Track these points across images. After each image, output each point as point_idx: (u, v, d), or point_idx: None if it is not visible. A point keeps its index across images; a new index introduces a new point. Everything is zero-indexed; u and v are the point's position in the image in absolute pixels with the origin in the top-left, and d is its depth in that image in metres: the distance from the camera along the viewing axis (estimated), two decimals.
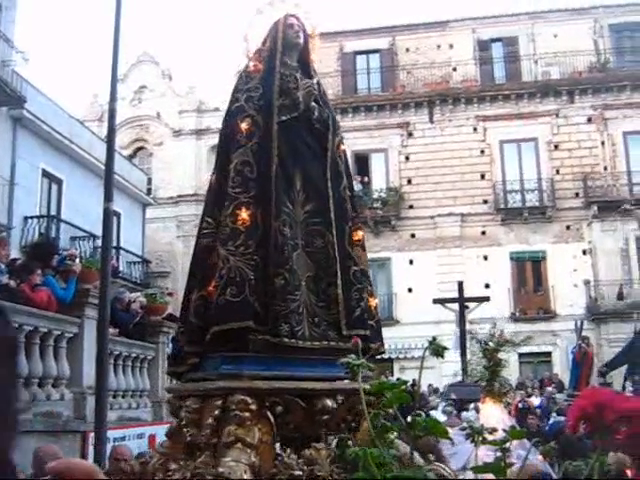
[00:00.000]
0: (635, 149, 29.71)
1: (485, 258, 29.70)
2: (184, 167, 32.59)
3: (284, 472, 3.18)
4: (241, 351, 3.68)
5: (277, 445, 3.50)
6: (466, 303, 19.23)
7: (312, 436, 3.47)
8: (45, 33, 74.56)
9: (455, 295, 19.81)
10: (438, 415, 14.11)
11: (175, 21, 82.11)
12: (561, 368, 26.13)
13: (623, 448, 1.71)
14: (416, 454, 3.36)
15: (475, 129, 31.06)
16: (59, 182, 22.59)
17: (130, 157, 31.88)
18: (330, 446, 3.24)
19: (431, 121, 31.43)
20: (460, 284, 19.62)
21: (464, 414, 12.24)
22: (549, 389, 19.48)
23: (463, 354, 17.02)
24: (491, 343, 8.78)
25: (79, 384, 9.72)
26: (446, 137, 30.98)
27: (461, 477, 3.72)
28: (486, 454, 2.12)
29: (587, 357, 18.64)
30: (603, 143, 30.02)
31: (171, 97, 33.80)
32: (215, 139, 28.50)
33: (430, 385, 21.65)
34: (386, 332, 4.27)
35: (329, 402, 3.51)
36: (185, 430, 3.63)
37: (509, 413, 13.05)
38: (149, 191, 30.95)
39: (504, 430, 1.91)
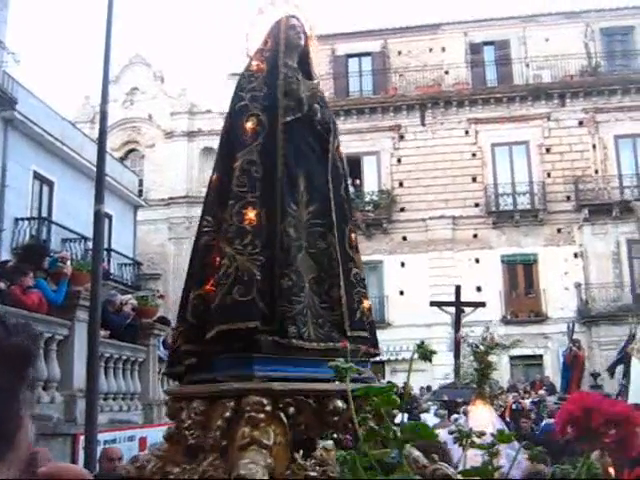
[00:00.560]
0: (626, 152, 29.90)
1: (477, 261, 29.78)
2: (176, 169, 32.55)
3: (299, 473, 3.17)
4: (249, 352, 3.65)
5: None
6: (462, 307, 19.29)
7: (317, 437, 3.46)
8: (37, 34, 74.43)
9: (449, 298, 19.89)
10: (430, 418, 14.15)
11: (167, 23, 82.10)
12: (552, 371, 26.22)
13: (610, 452, 1.72)
14: (420, 455, 3.38)
15: (467, 132, 31.14)
16: (50, 184, 22.52)
17: (122, 159, 31.81)
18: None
19: (423, 124, 31.50)
20: (457, 288, 19.66)
21: (454, 416, 12.27)
22: (539, 392, 19.51)
23: (457, 357, 17.04)
24: (481, 346, 8.78)
25: (70, 387, 9.69)
26: (438, 140, 31.06)
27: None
28: (475, 455, 2.12)
29: (577, 360, 18.68)
30: (594, 146, 30.15)
31: (163, 99, 33.75)
32: (207, 141, 28.32)
33: (422, 387, 21.65)
34: (378, 334, 4.28)
35: (340, 403, 3.50)
36: (188, 433, 3.56)
37: (502, 415, 13.07)
38: (140, 193, 30.89)
39: (492, 434, 1.92)
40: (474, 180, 30.63)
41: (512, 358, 26.11)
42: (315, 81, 4.43)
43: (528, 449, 2.16)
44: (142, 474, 3.65)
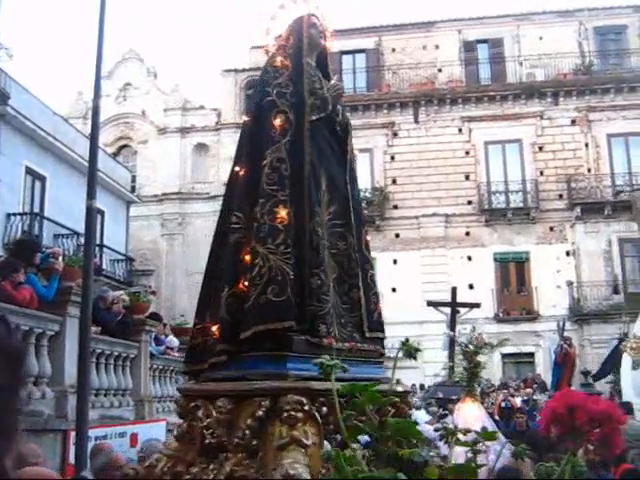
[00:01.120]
0: (618, 151, 29.96)
1: (469, 259, 29.81)
2: (168, 165, 32.46)
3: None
4: (282, 351, 3.62)
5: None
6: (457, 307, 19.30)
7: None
8: (30, 29, 74.11)
9: (441, 295, 19.98)
10: (422, 415, 14.15)
11: (161, 19, 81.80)
12: (544, 369, 26.25)
13: (594, 449, 1.73)
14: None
15: (460, 130, 31.16)
16: (42, 179, 22.44)
17: (114, 155, 31.73)
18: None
19: (416, 121, 31.51)
20: (454, 290, 19.60)
21: (440, 413, 12.30)
22: (528, 390, 19.54)
23: (451, 355, 17.06)
24: (471, 346, 8.80)
25: (61, 382, 9.65)
26: (431, 137, 31.08)
27: None
28: (463, 452, 2.13)
29: (568, 358, 18.72)
30: (587, 145, 30.21)
31: (156, 95, 33.65)
32: (200, 137, 28.27)
33: (413, 385, 21.63)
34: None
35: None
36: (206, 432, 3.51)
37: (491, 412, 13.09)
38: (133, 189, 30.80)
39: (476, 432, 1.92)
40: (467, 178, 30.67)
41: (504, 356, 26.20)
42: (334, 82, 4.44)
43: (515, 445, 2.17)
44: (152, 474, 3.61)
